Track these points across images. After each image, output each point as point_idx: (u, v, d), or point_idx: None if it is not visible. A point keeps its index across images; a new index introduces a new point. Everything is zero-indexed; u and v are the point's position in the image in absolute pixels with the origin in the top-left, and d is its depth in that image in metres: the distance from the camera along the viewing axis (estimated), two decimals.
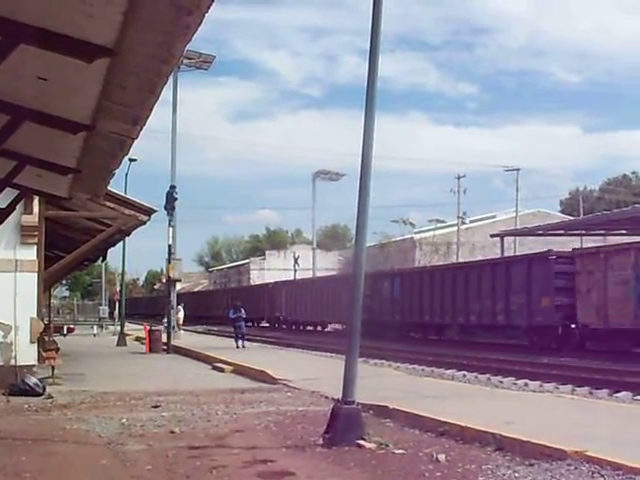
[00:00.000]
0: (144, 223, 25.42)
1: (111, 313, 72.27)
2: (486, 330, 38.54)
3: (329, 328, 58.59)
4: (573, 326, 31.61)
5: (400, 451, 10.56)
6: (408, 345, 36.51)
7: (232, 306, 39.14)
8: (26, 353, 18.68)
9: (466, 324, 39.20)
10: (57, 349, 22.80)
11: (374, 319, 40.82)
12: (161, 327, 38.74)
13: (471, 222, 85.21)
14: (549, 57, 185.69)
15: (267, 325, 69.06)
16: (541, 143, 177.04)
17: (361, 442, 10.91)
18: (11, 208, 14.03)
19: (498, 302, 35.57)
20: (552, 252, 33.67)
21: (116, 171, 10.61)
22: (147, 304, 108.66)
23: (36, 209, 19.05)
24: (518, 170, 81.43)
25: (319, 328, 59.70)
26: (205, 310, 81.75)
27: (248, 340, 37.50)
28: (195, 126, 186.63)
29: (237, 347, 34.36)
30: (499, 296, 35.51)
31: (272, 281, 73.78)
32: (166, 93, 7.44)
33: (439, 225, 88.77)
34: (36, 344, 19.37)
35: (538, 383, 21.08)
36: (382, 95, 14.18)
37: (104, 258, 39.98)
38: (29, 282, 18.91)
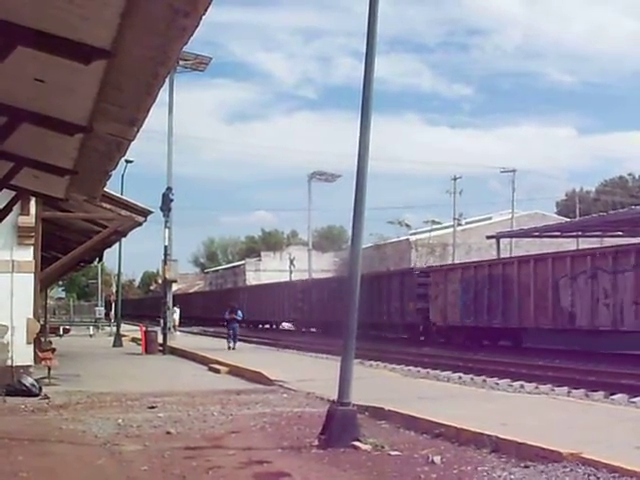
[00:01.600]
0: (140, 224, 25.43)
1: (107, 314, 72.23)
2: (374, 327, 44.14)
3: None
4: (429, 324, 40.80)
5: (396, 453, 10.58)
6: (403, 346, 36.66)
7: (228, 307, 39.15)
8: (22, 354, 18.67)
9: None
10: (53, 350, 22.80)
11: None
12: (157, 328, 38.70)
13: (467, 223, 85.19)
14: (544, 58, 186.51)
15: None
16: (536, 144, 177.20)
17: (357, 443, 10.92)
18: (8, 209, 14.05)
19: (384, 305, 45.09)
20: (415, 268, 49.00)
21: (113, 172, 10.62)
22: (143, 305, 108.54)
23: (33, 210, 19.04)
24: (514, 171, 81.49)
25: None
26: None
27: (245, 342, 37.46)
28: (191, 127, 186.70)
29: (229, 348, 34.25)
30: (384, 301, 45.07)
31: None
32: (162, 94, 7.44)
33: (435, 226, 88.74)
34: (32, 345, 19.36)
35: (534, 385, 21.11)
36: (377, 96, 14.29)
37: (100, 259, 39.99)
38: (25, 283, 18.90)
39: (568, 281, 31.14)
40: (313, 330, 57.04)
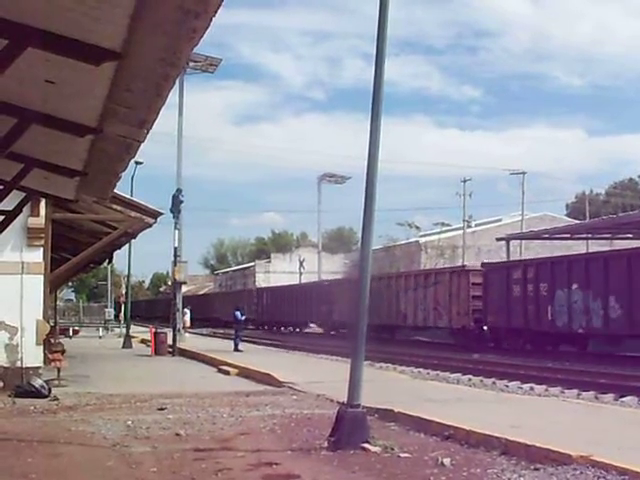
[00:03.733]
0: (150, 226, 25.44)
1: (117, 315, 72.37)
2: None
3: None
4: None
5: (405, 455, 10.56)
6: (413, 349, 36.57)
7: (236, 308, 39.18)
8: (32, 355, 18.71)
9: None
10: (63, 351, 22.83)
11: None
12: (166, 330, 38.76)
13: (477, 225, 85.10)
14: (553, 60, 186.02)
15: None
16: (546, 146, 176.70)
17: (366, 446, 10.91)
18: (18, 210, 14.04)
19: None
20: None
21: (122, 174, 10.62)
22: (153, 306, 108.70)
23: (43, 211, 19.08)
24: (524, 173, 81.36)
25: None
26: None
27: (253, 343, 37.46)
28: (200, 129, 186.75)
29: (236, 350, 34.18)
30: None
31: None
32: (172, 96, 7.45)
33: (444, 228, 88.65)
34: (42, 346, 19.40)
35: (544, 387, 21.08)
36: (386, 98, 14.24)
37: (110, 260, 40.01)
38: (35, 284, 18.94)
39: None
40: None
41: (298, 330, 64.30)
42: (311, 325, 63.66)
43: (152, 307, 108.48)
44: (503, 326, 36.10)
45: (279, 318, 66.16)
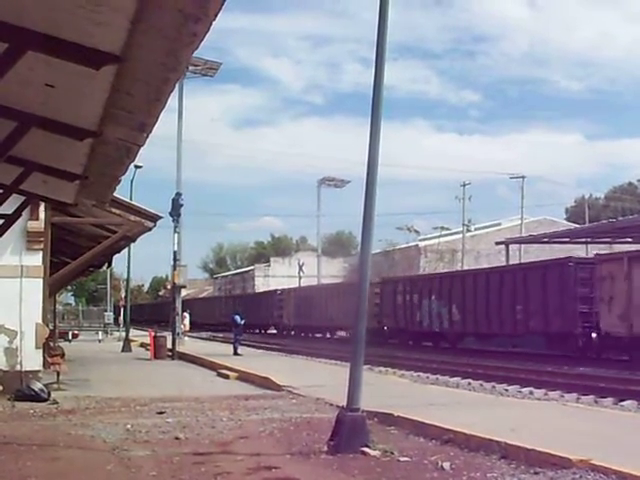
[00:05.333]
0: (149, 229, 25.45)
1: (116, 319, 72.33)
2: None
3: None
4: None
5: (405, 459, 10.55)
6: (413, 353, 36.61)
7: (235, 312, 39.19)
8: (31, 358, 18.71)
9: None
10: (62, 355, 22.82)
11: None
12: (166, 333, 38.74)
13: (476, 229, 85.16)
14: (551, 65, 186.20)
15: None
16: (545, 151, 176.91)
17: (366, 449, 10.90)
18: (17, 214, 14.03)
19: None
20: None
21: (122, 178, 10.62)
22: (152, 310, 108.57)
23: (42, 215, 19.09)
24: (524, 178, 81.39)
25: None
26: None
27: (253, 347, 37.45)
28: (198, 133, 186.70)
29: (235, 354, 34.16)
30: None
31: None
32: (171, 100, 7.45)
33: (444, 232, 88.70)
34: (41, 350, 19.40)
35: (543, 391, 21.07)
36: (385, 103, 14.28)
37: (109, 264, 40.04)
38: (34, 288, 18.95)
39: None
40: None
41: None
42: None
43: (151, 311, 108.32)
44: (393, 326, 46.77)
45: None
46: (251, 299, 77.88)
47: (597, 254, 35.30)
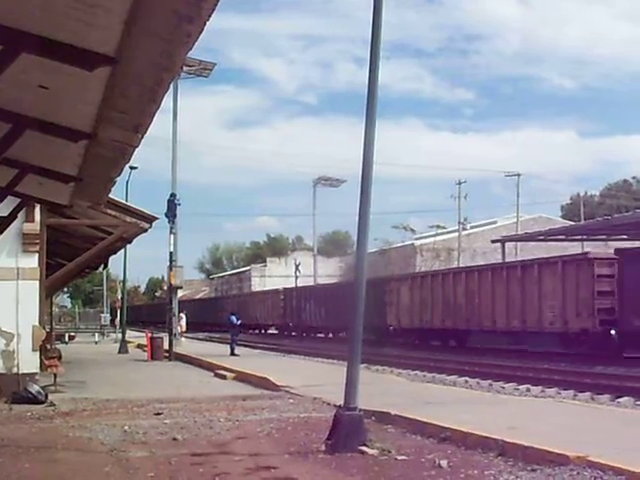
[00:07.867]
0: (145, 230, 25.42)
1: (112, 321, 72.22)
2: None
3: None
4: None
5: (402, 457, 10.57)
6: (409, 351, 36.60)
7: (232, 312, 39.20)
8: (28, 361, 18.67)
9: None
10: (59, 357, 22.80)
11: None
12: (163, 334, 38.70)
13: (472, 228, 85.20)
14: (544, 63, 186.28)
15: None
16: (539, 148, 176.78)
17: (363, 448, 10.91)
18: (13, 216, 14.03)
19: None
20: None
21: (117, 179, 10.62)
22: (149, 311, 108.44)
23: (37, 217, 19.06)
24: (519, 175, 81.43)
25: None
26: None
27: (250, 347, 37.43)
28: (192, 134, 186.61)
29: (232, 354, 34.18)
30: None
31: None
32: (166, 101, 7.45)
33: (440, 231, 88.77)
34: (38, 352, 19.36)
35: (540, 389, 21.07)
36: (379, 101, 14.28)
37: (105, 266, 40.02)
38: (31, 290, 18.91)
39: None
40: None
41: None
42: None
43: (148, 312, 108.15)
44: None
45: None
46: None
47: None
